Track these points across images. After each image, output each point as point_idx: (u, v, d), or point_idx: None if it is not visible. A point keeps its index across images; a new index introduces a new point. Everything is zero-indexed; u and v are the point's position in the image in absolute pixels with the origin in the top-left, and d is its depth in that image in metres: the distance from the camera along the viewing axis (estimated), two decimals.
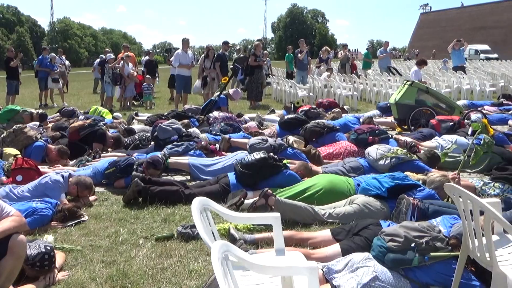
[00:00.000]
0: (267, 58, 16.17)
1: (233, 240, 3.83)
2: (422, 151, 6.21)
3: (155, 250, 3.80)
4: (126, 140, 7.10)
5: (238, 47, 23.72)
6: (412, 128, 8.46)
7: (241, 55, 15.04)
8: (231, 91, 11.27)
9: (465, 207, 2.65)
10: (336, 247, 3.60)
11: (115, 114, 10.71)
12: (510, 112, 10.24)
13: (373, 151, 5.70)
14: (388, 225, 3.70)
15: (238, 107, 13.20)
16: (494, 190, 5.08)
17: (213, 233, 2.68)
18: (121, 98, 14.11)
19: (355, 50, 57.57)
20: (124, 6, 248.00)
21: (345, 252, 3.48)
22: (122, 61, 13.62)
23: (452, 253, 3.09)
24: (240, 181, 5.08)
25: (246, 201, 4.65)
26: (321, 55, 18.44)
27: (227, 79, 12.00)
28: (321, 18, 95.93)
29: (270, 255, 2.86)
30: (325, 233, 3.93)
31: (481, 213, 2.65)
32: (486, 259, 2.63)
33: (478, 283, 3.05)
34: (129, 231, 4.23)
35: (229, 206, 4.64)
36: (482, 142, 4.71)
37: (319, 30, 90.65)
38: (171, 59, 14.61)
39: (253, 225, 4.16)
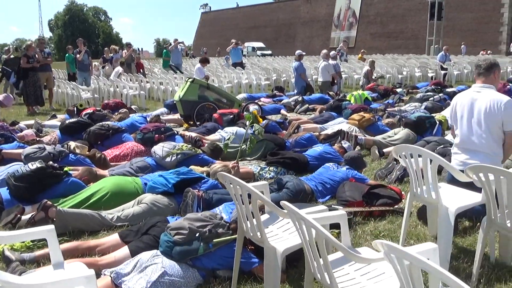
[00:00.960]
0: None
1: (8, 262, 3.45)
2: (206, 145, 6.52)
3: None
4: None
5: (7, 48, 21.26)
6: (198, 123, 8.81)
7: (12, 56, 13.56)
8: (0, 96, 10.06)
9: (235, 192, 2.88)
10: (124, 250, 3.54)
11: None
12: (281, 102, 11.46)
13: (159, 149, 5.75)
14: (176, 220, 3.79)
15: (13, 114, 11.89)
16: (270, 174, 5.64)
17: None
18: None
19: (141, 49, 57.14)
20: None
21: (134, 253, 3.44)
22: None
23: (231, 237, 3.33)
24: (15, 196, 4.57)
25: (23, 217, 4.22)
26: (105, 55, 17.83)
27: None
28: (103, 16, 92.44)
29: (47, 271, 2.66)
30: (113, 237, 3.82)
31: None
32: (258, 237, 2.90)
33: (257, 260, 3.35)
34: None
35: (4, 225, 4.17)
36: (255, 131, 5.16)
37: (103, 28, 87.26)
38: None
39: (32, 242, 3.81)
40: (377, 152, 6.40)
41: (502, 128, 3.80)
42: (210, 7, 74.56)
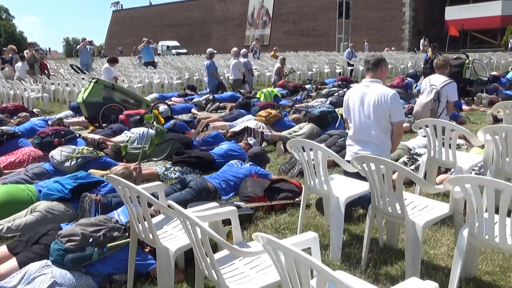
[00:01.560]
0: None
1: None
2: (109, 147, 6.32)
3: None
4: None
5: None
6: (104, 125, 8.51)
7: None
8: None
9: (125, 194, 2.81)
10: (12, 262, 3.33)
11: None
12: (192, 101, 11.38)
13: (57, 153, 5.48)
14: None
15: None
16: (175, 173, 5.58)
17: None
18: None
19: (48, 48, 54.15)
20: None
21: (22, 264, 3.25)
22: None
23: (126, 240, 3.25)
24: None
25: None
26: (4, 56, 16.71)
27: None
28: (5, 14, 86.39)
29: None
30: (0, 250, 3.59)
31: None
32: (150, 238, 2.86)
33: (154, 261, 3.30)
34: None
35: None
36: (155, 131, 5.08)
37: (4, 27, 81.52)
38: None
39: None
40: (282, 147, 6.56)
41: (390, 119, 4.04)
42: (121, 5, 72.62)
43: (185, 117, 9.53)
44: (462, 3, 37.33)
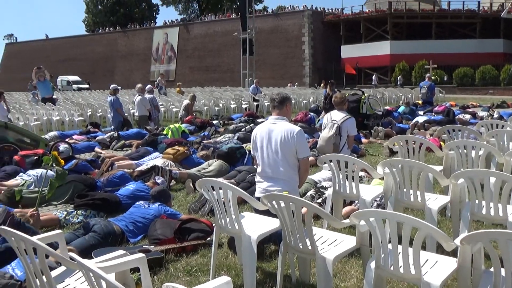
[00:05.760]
0: None
1: None
2: (3, 192, 5.80)
3: None
4: None
5: None
6: None
7: None
8: None
9: (19, 247, 2.56)
10: None
11: None
12: (96, 139, 10.92)
13: None
14: None
15: None
16: (77, 218, 5.25)
17: None
18: None
19: None
20: None
21: None
22: None
23: None
24: None
25: None
26: None
27: None
28: None
29: None
30: None
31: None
32: None
33: None
34: None
35: None
36: (55, 174, 4.76)
37: None
38: None
39: None
40: (191, 185, 6.44)
41: (296, 155, 4.14)
42: (16, 38, 68.41)
43: (88, 156, 9.09)
44: (355, 42, 40.21)
